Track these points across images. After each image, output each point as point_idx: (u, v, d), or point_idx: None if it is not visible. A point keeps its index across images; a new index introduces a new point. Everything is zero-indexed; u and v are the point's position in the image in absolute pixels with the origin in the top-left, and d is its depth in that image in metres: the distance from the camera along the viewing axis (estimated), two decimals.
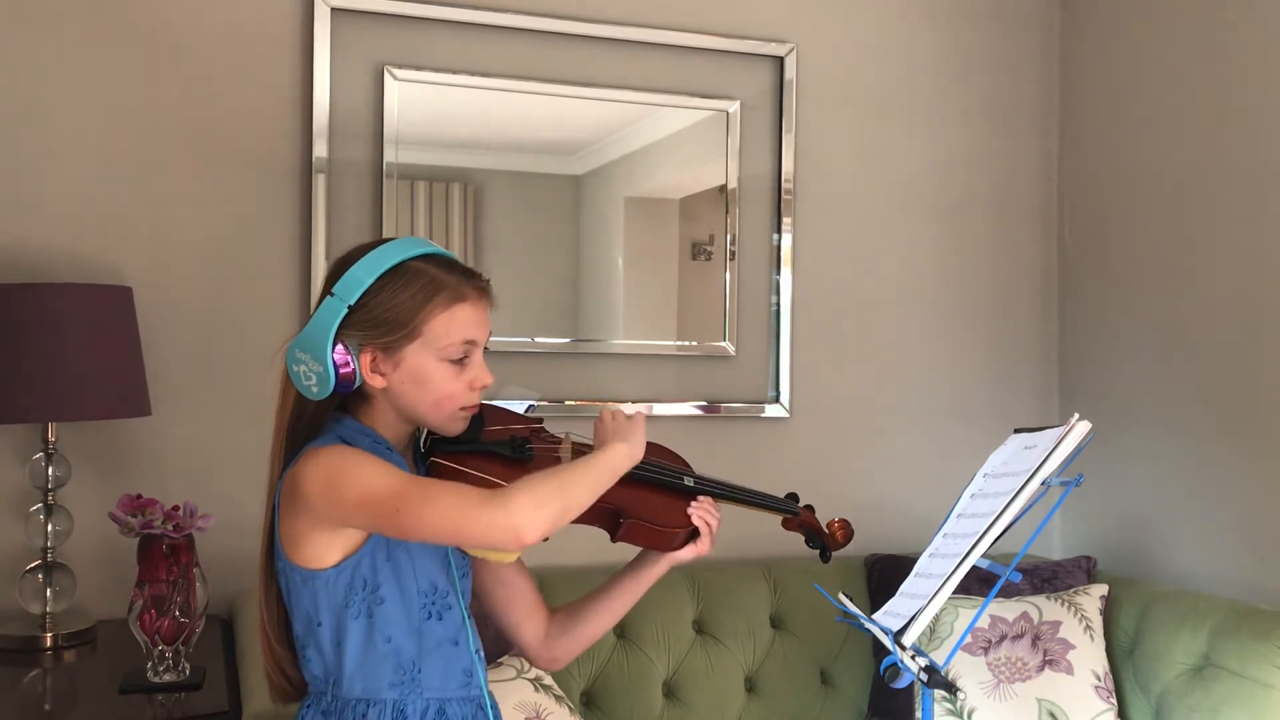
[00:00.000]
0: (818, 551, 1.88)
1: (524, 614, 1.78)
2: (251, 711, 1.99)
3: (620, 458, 1.57)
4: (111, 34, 2.50)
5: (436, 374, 1.53)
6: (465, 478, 1.56)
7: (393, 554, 1.53)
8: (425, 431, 1.65)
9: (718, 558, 2.78)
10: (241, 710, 2.03)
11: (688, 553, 1.71)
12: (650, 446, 1.73)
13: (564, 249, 2.85)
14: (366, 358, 1.52)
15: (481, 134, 2.79)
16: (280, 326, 2.59)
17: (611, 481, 1.55)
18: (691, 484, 1.73)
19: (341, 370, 1.50)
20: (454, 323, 1.53)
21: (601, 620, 1.77)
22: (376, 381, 1.53)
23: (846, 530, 1.88)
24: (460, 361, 1.54)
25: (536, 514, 1.40)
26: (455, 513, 1.42)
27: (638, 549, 1.77)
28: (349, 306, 1.50)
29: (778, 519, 1.91)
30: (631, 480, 1.64)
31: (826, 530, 1.88)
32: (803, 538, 1.89)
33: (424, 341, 1.52)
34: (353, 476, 1.45)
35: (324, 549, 1.50)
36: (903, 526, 2.99)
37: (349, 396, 1.57)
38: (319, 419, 1.58)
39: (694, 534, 1.71)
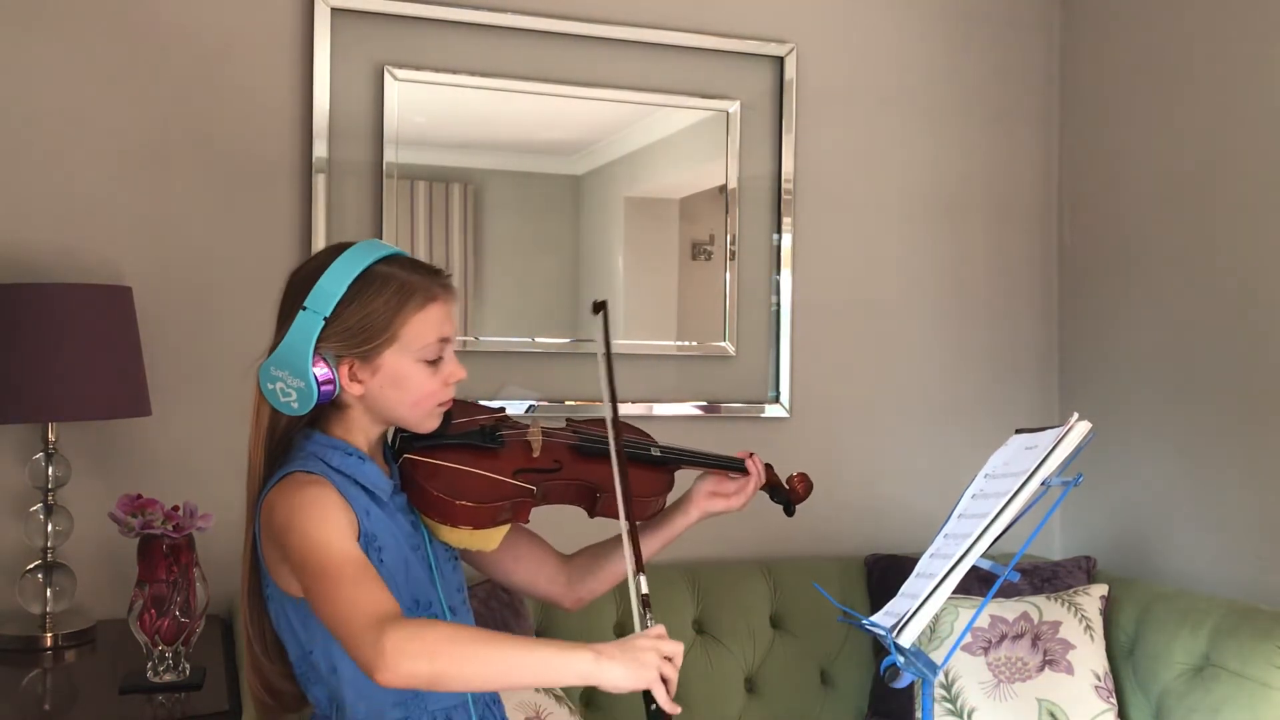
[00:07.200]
0: (782, 506, 1.93)
1: (533, 568, 1.79)
2: (251, 712, 1.99)
3: (581, 669, 1.31)
4: (111, 34, 2.50)
5: (415, 375, 1.54)
6: (442, 471, 1.58)
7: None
8: (393, 430, 1.66)
9: (718, 557, 2.81)
10: (241, 710, 2.02)
11: (718, 505, 1.80)
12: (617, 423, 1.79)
13: (564, 249, 2.84)
14: (344, 368, 1.53)
15: (481, 134, 2.78)
16: None
17: (549, 681, 1.35)
18: (659, 454, 1.80)
19: (323, 384, 1.51)
20: (428, 323, 1.54)
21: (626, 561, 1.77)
22: (354, 390, 1.54)
23: (806, 483, 1.94)
24: (435, 360, 1.55)
25: (400, 667, 1.27)
26: (340, 621, 1.34)
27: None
28: (324, 319, 1.50)
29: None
30: (603, 457, 1.69)
31: (787, 485, 1.93)
32: (767, 496, 1.94)
33: (401, 345, 1.53)
34: (303, 531, 1.42)
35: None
36: (903, 526, 3.00)
37: (318, 408, 1.56)
38: (289, 435, 1.58)
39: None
